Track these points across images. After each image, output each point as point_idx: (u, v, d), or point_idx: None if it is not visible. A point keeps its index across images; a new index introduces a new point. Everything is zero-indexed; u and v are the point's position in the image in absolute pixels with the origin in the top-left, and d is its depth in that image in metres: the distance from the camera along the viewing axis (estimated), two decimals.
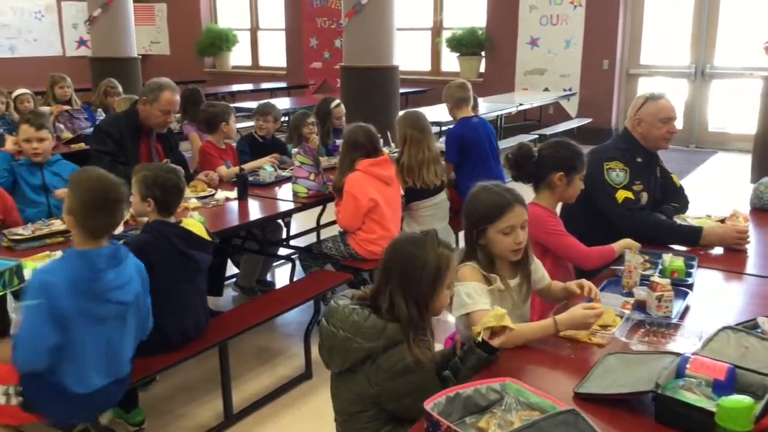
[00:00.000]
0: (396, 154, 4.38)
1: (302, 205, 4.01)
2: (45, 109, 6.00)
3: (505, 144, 6.93)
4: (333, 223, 4.26)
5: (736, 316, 2.24)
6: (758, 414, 1.49)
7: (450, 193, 4.44)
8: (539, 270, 2.44)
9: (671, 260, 2.62)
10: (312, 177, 4.01)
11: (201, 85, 7.24)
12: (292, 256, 4.57)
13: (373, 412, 2.02)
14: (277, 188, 4.29)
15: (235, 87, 11.19)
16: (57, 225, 3.13)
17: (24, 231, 3.09)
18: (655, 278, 2.33)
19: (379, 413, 2.02)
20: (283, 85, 12.01)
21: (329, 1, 11.81)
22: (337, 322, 2.01)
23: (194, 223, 2.91)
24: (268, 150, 4.80)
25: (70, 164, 3.86)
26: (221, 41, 13.20)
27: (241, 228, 3.96)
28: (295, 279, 4.37)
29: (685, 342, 2.06)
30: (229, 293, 4.54)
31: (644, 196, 3.14)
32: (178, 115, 5.49)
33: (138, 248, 2.60)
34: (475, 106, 5.07)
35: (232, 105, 5.28)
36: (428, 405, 1.58)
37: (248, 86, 11.43)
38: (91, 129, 5.34)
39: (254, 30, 13.43)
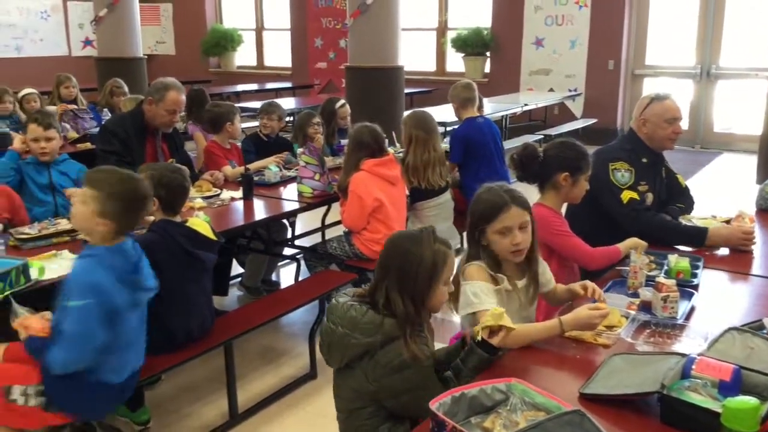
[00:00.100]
0: (401, 154, 4.39)
1: (307, 205, 4.02)
2: (50, 108, 6.02)
3: (510, 144, 6.91)
4: (338, 223, 4.26)
5: (742, 317, 2.24)
6: (764, 415, 1.49)
7: (454, 193, 4.44)
8: (546, 273, 2.44)
9: (677, 261, 2.62)
10: (317, 177, 4.02)
11: (206, 85, 7.28)
12: (297, 256, 4.57)
13: (372, 408, 2.03)
14: (282, 188, 4.29)
15: (240, 87, 11.21)
16: (63, 224, 3.14)
17: (30, 230, 3.10)
18: (661, 279, 2.33)
19: (379, 410, 2.03)
20: (288, 85, 12.03)
21: (334, 1, 11.81)
22: (336, 319, 2.02)
23: (200, 223, 2.92)
24: (272, 149, 4.82)
25: (77, 164, 3.88)
26: (226, 41, 13.20)
27: (246, 228, 3.97)
28: (300, 279, 4.37)
29: (690, 343, 2.05)
30: (234, 293, 4.54)
31: (649, 197, 3.14)
32: (184, 115, 5.50)
33: (144, 247, 2.59)
34: (480, 107, 5.07)
35: (237, 105, 5.29)
36: (433, 405, 1.59)
37: (253, 86, 11.44)
38: (97, 129, 5.35)
39: (259, 30, 13.44)
